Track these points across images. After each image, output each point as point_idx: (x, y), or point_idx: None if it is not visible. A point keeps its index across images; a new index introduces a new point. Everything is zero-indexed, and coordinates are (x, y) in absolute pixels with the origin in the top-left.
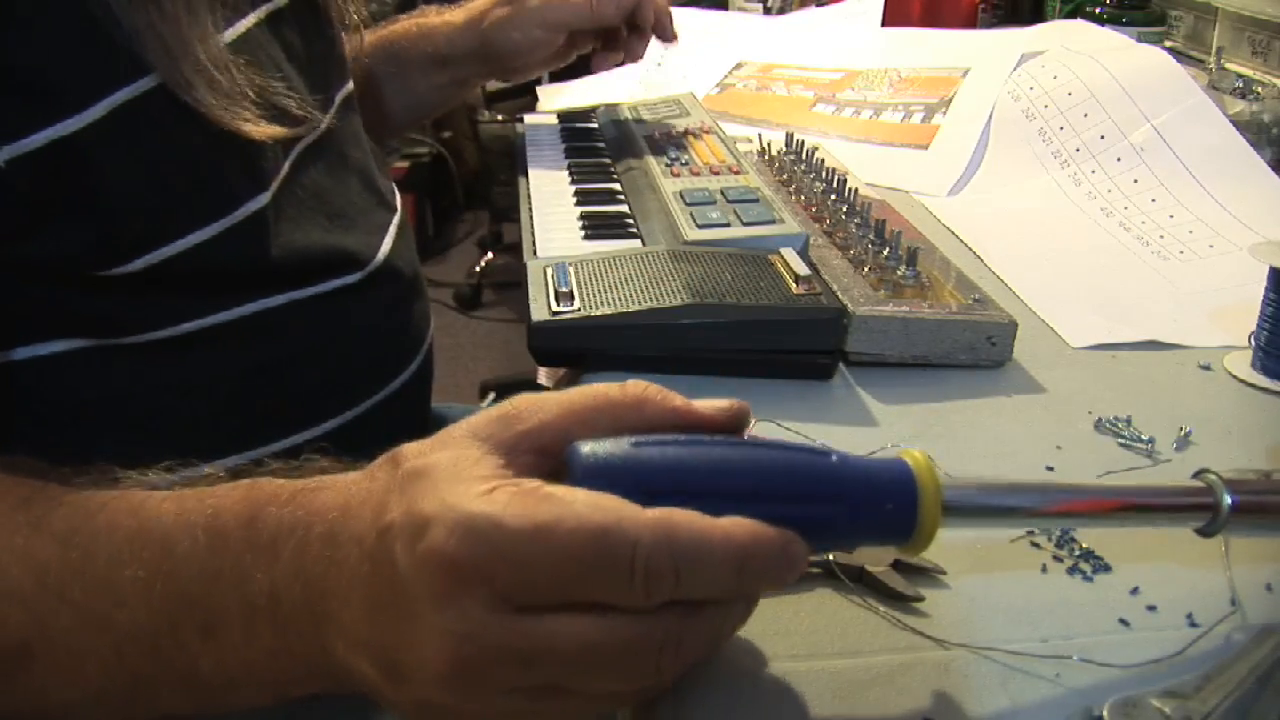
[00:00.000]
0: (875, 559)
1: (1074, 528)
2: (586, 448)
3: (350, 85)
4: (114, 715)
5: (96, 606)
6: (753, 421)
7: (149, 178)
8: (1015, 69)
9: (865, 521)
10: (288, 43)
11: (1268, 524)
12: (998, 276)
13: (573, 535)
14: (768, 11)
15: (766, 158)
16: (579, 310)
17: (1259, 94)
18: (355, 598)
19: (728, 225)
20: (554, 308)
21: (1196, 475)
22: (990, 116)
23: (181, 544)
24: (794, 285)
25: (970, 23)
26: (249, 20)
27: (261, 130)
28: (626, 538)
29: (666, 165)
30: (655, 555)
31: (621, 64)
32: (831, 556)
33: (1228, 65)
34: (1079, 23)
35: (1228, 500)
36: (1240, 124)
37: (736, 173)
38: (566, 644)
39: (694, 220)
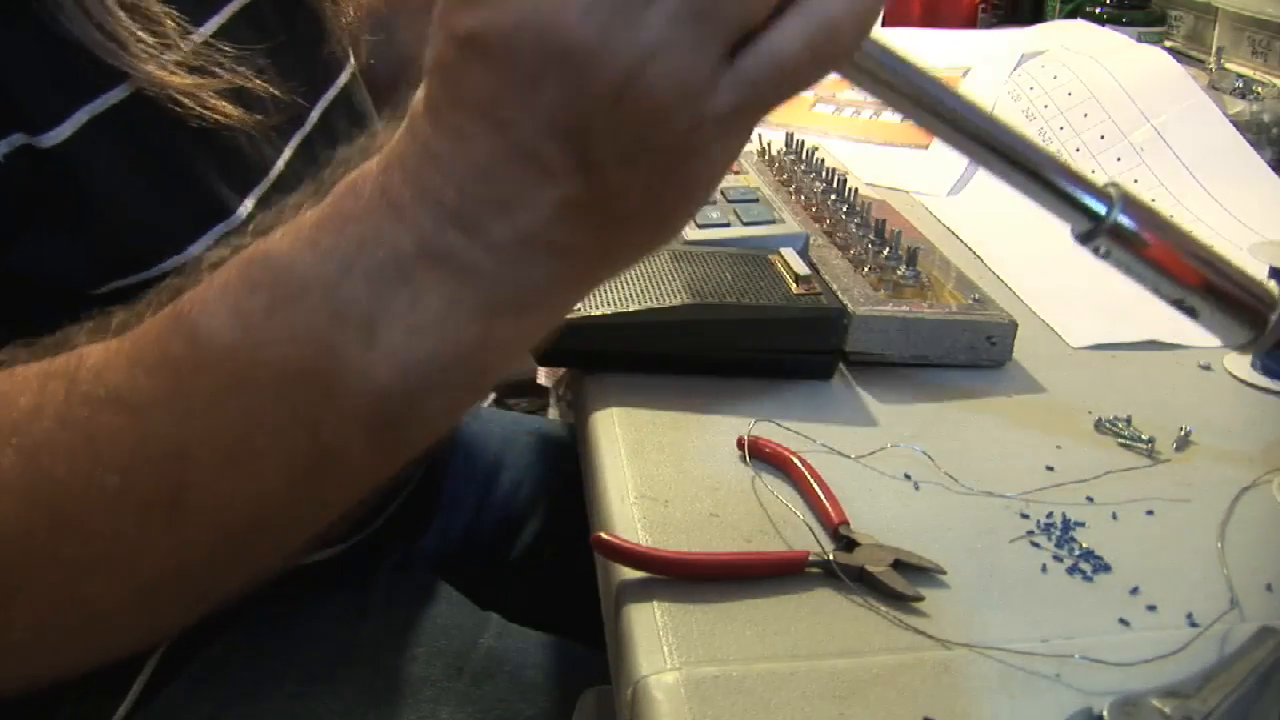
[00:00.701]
0: None
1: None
2: None
3: (349, 71)
4: (306, 517)
5: (236, 361)
6: (753, 422)
7: (135, 190)
8: (1015, 69)
9: None
10: (269, 33)
11: (1140, 265)
12: (998, 276)
13: None
14: None
15: (766, 158)
16: (578, 310)
17: (1259, 94)
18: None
19: (728, 225)
20: None
21: (1108, 184)
22: None
23: (301, 258)
24: (794, 285)
25: (970, 23)
26: (223, 15)
27: (243, 119)
28: None
29: None
30: None
31: None
32: (831, 556)
33: (1228, 65)
34: (1079, 23)
35: (1118, 217)
36: (1240, 124)
37: (736, 172)
38: None
39: (694, 220)
